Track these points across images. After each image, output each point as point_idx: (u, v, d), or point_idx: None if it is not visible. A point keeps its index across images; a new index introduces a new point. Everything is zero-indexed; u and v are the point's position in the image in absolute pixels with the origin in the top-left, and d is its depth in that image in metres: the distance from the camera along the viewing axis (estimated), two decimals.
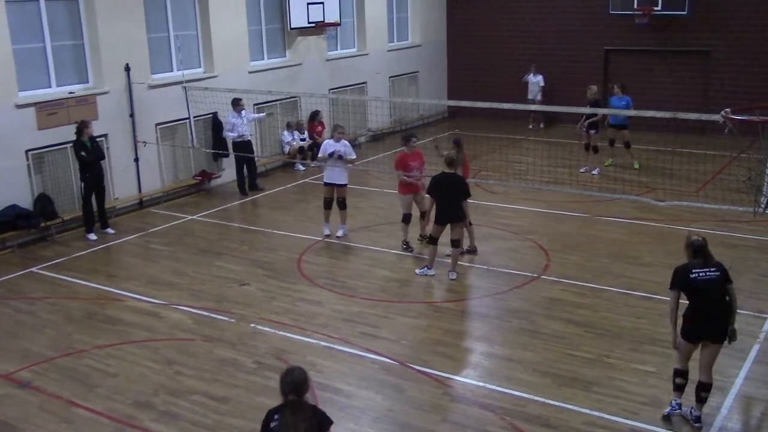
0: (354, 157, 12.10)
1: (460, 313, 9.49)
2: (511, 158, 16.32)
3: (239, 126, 14.50)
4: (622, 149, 15.82)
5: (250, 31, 16.22)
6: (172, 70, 14.69)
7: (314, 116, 17.33)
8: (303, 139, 17.13)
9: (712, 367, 6.78)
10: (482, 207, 13.20)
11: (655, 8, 18.73)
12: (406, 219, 11.45)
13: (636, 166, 15.85)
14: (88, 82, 13.31)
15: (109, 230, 12.69)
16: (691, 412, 6.88)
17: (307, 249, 11.72)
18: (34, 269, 11.13)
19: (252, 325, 9.09)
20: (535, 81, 20.17)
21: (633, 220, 12.68)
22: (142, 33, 13.85)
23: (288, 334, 8.82)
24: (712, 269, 6.65)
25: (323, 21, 17.50)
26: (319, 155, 12.08)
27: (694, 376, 6.89)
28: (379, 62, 19.91)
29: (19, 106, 12.06)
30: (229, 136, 14.62)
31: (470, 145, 15.97)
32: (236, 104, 14.47)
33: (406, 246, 11.45)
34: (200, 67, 15.33)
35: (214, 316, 9.40)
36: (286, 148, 16.86)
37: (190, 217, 13.58)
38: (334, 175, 11.91)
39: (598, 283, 10.08)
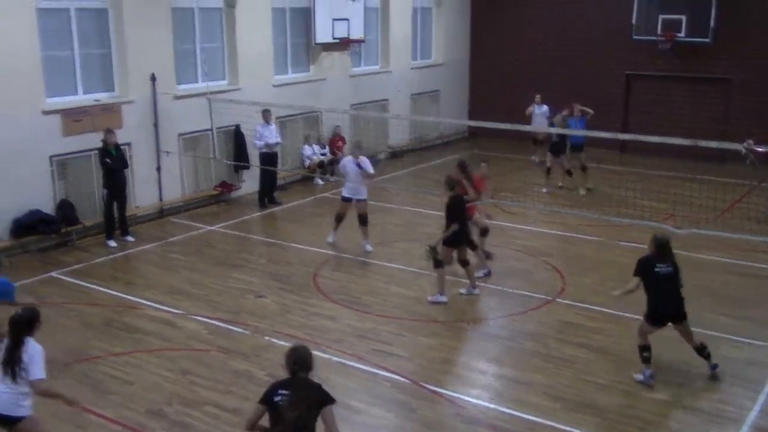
0: (371, 172, 12.19)
1: (474, 333, 9.50)
2: (530, 180, 16.33)
3: (267, 136, 14.66)
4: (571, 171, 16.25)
5: (275, 45, 16.39)
6: (197, 82, 14.89)
7: (335, 132, 17.51)
8: (323, 154, 17.25)
9: (692, 336, 8.06)
10: (499, 228, 13.20)
11: (678, 35, 18.77)
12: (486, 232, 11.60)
13: (584, 191, 16.07)
14: (114, 90, 13.51)
15: (129, 238, 12.84)
16: (708, 366, 8.07)
17: (323, 263, 11.78)
18: (53, 274, 11.28)
19: (266, 338, 9.15)
20: (540, 112, 18.30)
21: None
22: (169, 44, 14.06)
23: None
24: (669, 266, 7.90)
25: (348, 37, 17.66)
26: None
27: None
28: (401, 80, 20.03)
29: (46, 113, 12.28)
30: (258, 144, 14.76)
31: (490, 166, 16.02)
32: (265, 115, 14.63)
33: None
34: (225, 79, 15.51)
35: (230, 327, 9.47)
36: (306, 162, 16.98)
37: (209, 228, 13.70)
38: (354, 189, 12.07)
39: (613, 308, 10.04)
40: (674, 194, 14.60)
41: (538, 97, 18.38)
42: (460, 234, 10.17)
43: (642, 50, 19.70)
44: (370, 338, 9.17)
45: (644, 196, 15.27)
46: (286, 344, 8.86)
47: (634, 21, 19.34)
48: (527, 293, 10.60)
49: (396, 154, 19.65)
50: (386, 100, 19.57)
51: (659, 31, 18.95)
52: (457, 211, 10.13)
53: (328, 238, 12.63)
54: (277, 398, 4.97)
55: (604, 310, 10.01)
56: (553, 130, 15.47)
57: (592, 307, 10.12)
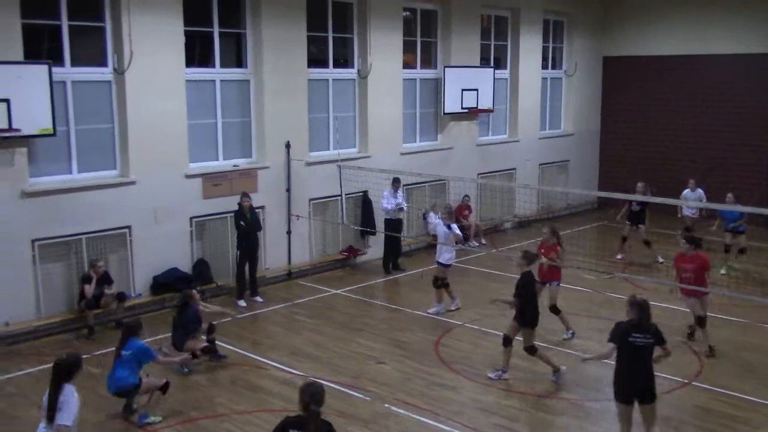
0: (460, 235, 12.85)
1: (602, 413, 9.02)
2: (663, 254, 15.63)
3: (394, 204, 14.92)
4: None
5: (404, 115, 16.73)
6: (328, 149, 15.38)
7: (464, 201, 17.53)
8: None
9: (654, 423, 7.37)
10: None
11: None
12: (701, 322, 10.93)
13: (723, 270, 14.95)
14: (251, 156, 14.15)
15: (258, 298, 13.21)
16: None
17: (445, 332, 11.65)
18: None
19: (386, 405, 9.07)
20: (694, 197, 16.52)
21: None
22: (304, 113, 14.63)
23: (421, 418, 8.72)
24: (648, 336, 7.31)
25: (476, 107, 17.79)
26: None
27: None
28: (529, 149, 19.88)
29: (189, 176, 13.00)
30: (384, 206, 14.98)
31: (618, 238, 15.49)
32: (394, 183, 14.89)
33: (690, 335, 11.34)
34: (355, 147, 15.93)
35: (349, 392, 9.46)
36: (431, 230, 17.00)
37: (334, 291, 13.90)
38: (439, 251, 12.65)
39: (758, 396, 9.32)
40: None
41: (692, 182, 16.68)
42: (533, 313, 9.74)
43: None
44: (493, 412, 8.91)
45: None
46: (406, 413, 8.82)
47: None
48: (660, 374, 9.94)
49: (522, 224, 19.39)
50: (513, 169, 19.45)
51: None
52: (527, 289, 9.70)
53: (450, 306, 12.52)
54: None
55: (745, 397, 9.30)
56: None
57: (732, 393, 9.42)
